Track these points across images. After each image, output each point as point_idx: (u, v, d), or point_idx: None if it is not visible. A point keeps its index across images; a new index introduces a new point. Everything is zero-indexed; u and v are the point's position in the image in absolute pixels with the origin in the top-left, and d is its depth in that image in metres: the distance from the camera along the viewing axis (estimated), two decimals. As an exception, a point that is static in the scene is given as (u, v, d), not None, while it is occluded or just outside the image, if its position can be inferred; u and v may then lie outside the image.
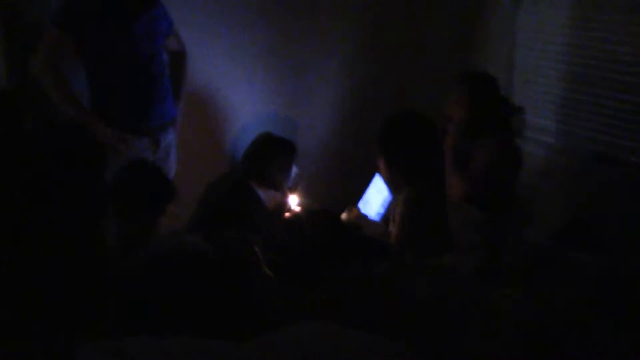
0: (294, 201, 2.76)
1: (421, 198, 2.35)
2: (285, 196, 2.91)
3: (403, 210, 2.35)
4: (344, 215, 2.76)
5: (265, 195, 2.99)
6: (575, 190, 3.35)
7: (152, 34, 2.63)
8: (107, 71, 2.57)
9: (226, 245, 1.82)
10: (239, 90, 3.24)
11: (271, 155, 2.95)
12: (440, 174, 2.45)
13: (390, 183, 2.63)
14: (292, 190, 2.93)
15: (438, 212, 2.39)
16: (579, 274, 2.47)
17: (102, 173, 1.73)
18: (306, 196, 2.91)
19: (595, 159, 3.25)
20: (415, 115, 2.47)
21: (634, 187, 3.10)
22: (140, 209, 1.99)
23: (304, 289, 1.73)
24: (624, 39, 3.09)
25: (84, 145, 1.68)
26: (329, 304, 1.69)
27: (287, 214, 2.66)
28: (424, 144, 2.42)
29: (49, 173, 1.61)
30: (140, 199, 2.01)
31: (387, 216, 2.83)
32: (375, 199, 3.06)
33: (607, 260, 2.59)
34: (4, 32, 2.57)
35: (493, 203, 2.52)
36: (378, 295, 1.71)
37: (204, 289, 1.54)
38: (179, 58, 2.86)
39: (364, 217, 2.74)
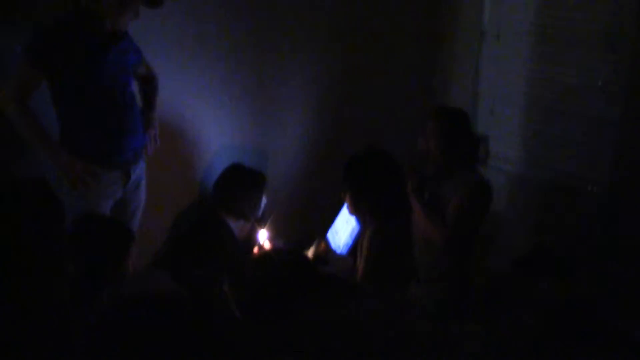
0: (263, 236, 2.79)
1: (387, 235, 2.41)
2: (254, 228, 2.94)
3: (369, 247, 2.40)
4: (312, 249, 2.81)
5: (235, 225, 3.02)
6: (537, 218, 3.46)
7: (121, 66, 2.64)
8: (76, 104, 2.56)
9: (195, 285, 1.86)
10: (209, 121, 3.27)
11: (241, 186, 2.98)
12: (406, 209, 2.51)
13: (357, 217, 2.69)
14: (262, 222, 2.96)
15: (404, 247, 2.45)
16: (538, 300, 2.56)
17: (59, 227, 1.74)
18: (275, 227, 2.95)
19: (556, 188, 3.36)
20: (379, 153, 2.54)
21: (593, 216, 3.21)
22: (100, 262, 1.99)
23: (271, 330, 1.77)
24: (582, 73, 3.22)
25: (41, 202, 1.70)
26: (295, 344, 1.74)
27: (255, 252, 2.70)
28: (389, 181, 2.48)
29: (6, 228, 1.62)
30: (98, 253, 2.01)
31: (355, 247, 2.88)
32: (344, 229, 3.11)
33: (566, 286, 2.69)
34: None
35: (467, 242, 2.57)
36: (344, 336, 1.76)
37: (173, 331, 1.57)
38: (149, 81, 2.87)
39: (332, 252, 2.78)
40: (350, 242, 3.01)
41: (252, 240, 3.01)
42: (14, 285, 1.59)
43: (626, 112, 3.02)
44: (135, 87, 2.82)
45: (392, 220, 2.45)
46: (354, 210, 2.55)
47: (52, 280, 1.66)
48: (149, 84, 2.88)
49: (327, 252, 2.76)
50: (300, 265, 1.94)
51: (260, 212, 3.05)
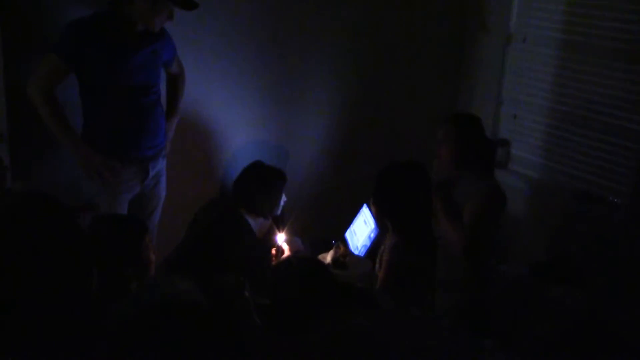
0: (281, 238, 2.80)
1: (410, 250, 2.38)
2: (273, 227, 2.95)
3: (390, 259, 2.38)
4: (331, 253, 2.82)
5: (255, 223, 3.04)
6: (555, 225, 3.44)
7: (149, 67, 2.66)
8: (100, 100, 2.60)
9: (218, 291, 1.88)
10: (232, 119, 3.29)
11: (261, 184, 3.00)
12: (430, 223, 2.49)
13: (380, 223, 2.68)
14: (281, 221, 2.97)
15: (425, 262, 2.42)
16: (556, 308, 2.56)
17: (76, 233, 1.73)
18: (294, 228, 2.96)
19: (575, 196, 3.34)
20: (416, 168, 2.49)
21: (611, 225, 3.20)
22: (116, 257, 2.02)
23: (290, 338, 1.79)
24: (607, 83, 3.19)
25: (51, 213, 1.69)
26: (313, 353, 1.76)
27: (274, 253, 2.70)
28: (418, 196, 2.44)
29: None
30: (112, 249, 2.04)
31: (373, 250, 2.88)
32: (362, 230, 3.13)
33: (583, 294, 2.68)
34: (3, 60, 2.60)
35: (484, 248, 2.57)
36: (359, 347, 1.77)
37: (196, 340, 1.59)
38: (178, 79, 2.92)
39: (352, 255, 2.79)
40: (368, 244, 3.03)
41: (270, 239, 3.03)
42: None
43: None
44: (163, 82, 2.85)
45: (415, 234, 2.42)
46: (379, 220, 2.54)
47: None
48: (176, 81, 2.91)
49: (346, 255, 2.77)
50: (320, 274, 1.95)
51: (279, 211, 3.07)
